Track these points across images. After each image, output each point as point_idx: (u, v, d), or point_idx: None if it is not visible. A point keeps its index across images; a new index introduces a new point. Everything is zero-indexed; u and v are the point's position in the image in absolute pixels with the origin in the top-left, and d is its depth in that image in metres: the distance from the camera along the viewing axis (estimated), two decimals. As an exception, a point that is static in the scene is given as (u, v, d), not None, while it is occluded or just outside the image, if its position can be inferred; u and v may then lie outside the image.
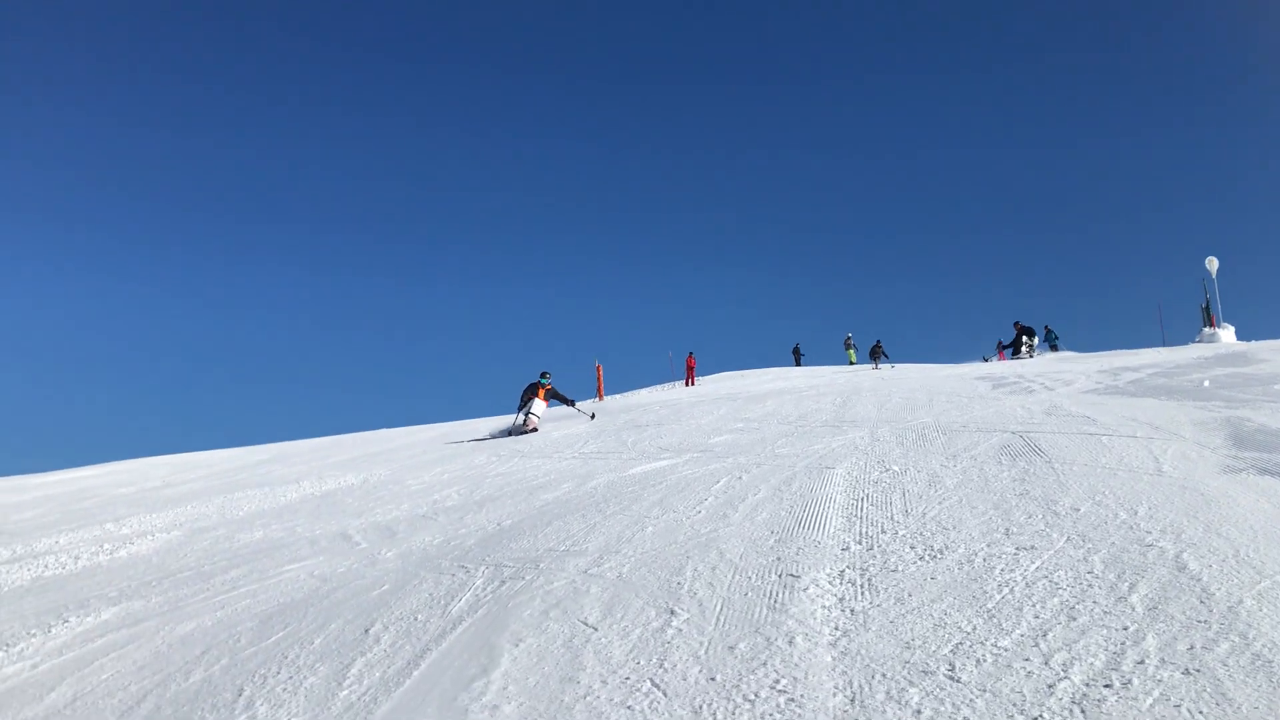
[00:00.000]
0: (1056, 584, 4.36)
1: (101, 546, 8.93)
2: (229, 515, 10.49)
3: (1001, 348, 36.14)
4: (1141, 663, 3.34)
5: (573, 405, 19.97)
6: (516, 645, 4.38)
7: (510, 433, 17.83)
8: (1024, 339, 34.30)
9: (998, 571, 4.66)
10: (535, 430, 17.50)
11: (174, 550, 8.39)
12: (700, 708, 3.40)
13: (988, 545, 5.19)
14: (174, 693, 4.40)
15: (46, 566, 8.15)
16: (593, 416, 19.09)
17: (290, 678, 4.36)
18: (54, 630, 5.78)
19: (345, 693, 4.06)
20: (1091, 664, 3.39)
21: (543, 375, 19.43)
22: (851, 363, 43.72)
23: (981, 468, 7.63)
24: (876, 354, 41.54)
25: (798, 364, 46.37)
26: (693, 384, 36.21)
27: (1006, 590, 4.35)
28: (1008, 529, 5.52)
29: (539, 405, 18.23)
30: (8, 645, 5.55)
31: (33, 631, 5.80)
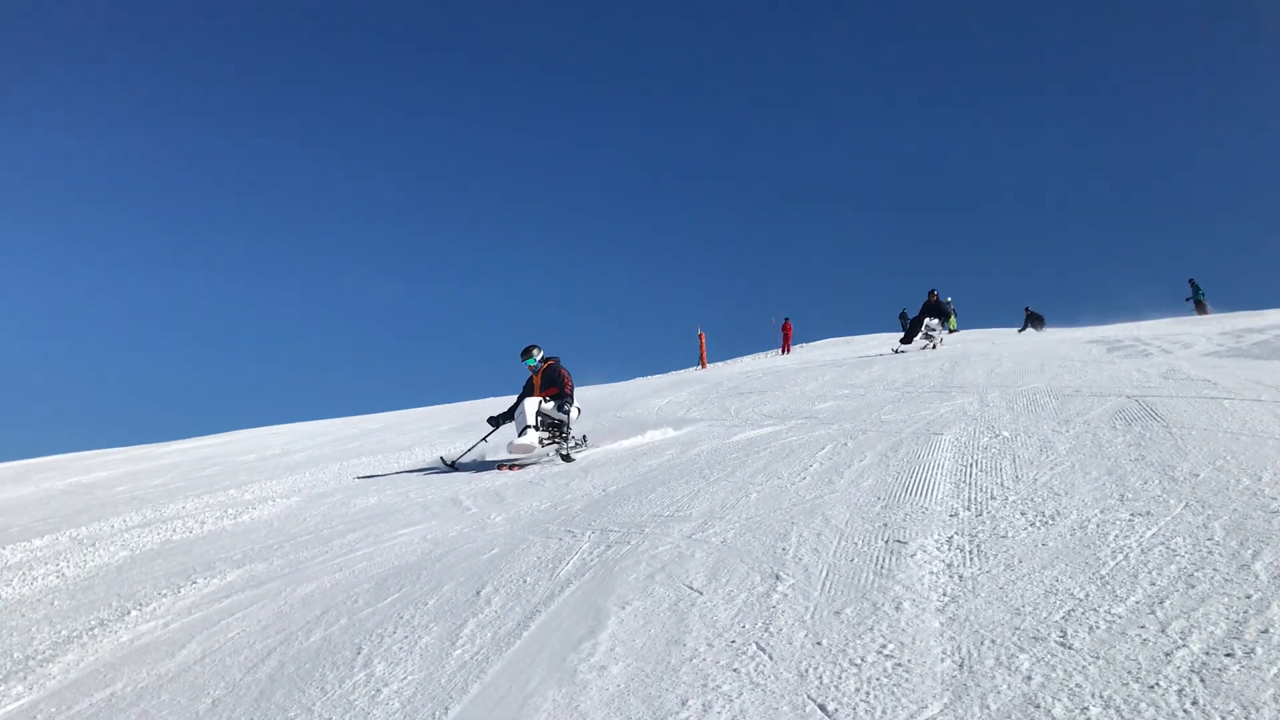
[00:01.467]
0: (1174, 551, 4.24)
1: (225, 511, 9.30)
2: (346, 481, 10.82)
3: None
4: (1266, 632, 3.23)
5: (938, 319, 22.18)
6: (623, 608, 4.44)
7: (499, 463, 10.95)
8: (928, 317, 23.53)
9: (1112, 538, 4.55)
10: (523, 462, 10.77)
11: (294, 515, 8.70)
12: (806, 671, 3.41)
13: (1101, 511, 5.07)
14: (296, 651, 4.57)
15: (174, 531, 8.52)
16: (572, 452, 10.81)
17: (406, 637, 4.50)
18: (183, 591, 6.05)
19: (458, 652, 4.17)
20: (1211, 632, 3.29)
21: (930, 293, 21.70)
22: (952, 329, 37.33)
23: (1095, 433, 7.43)
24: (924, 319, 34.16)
25: (905, 329, 44.31)
26: (788, 352, 35.10)
27: (1121, 557, 4.25)
28: (1122, 495, 5.38)
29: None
30: (141, 605, 5.83)
31: (163, 592, 6.08)
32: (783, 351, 35.49)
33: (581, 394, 21.57)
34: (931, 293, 23.62)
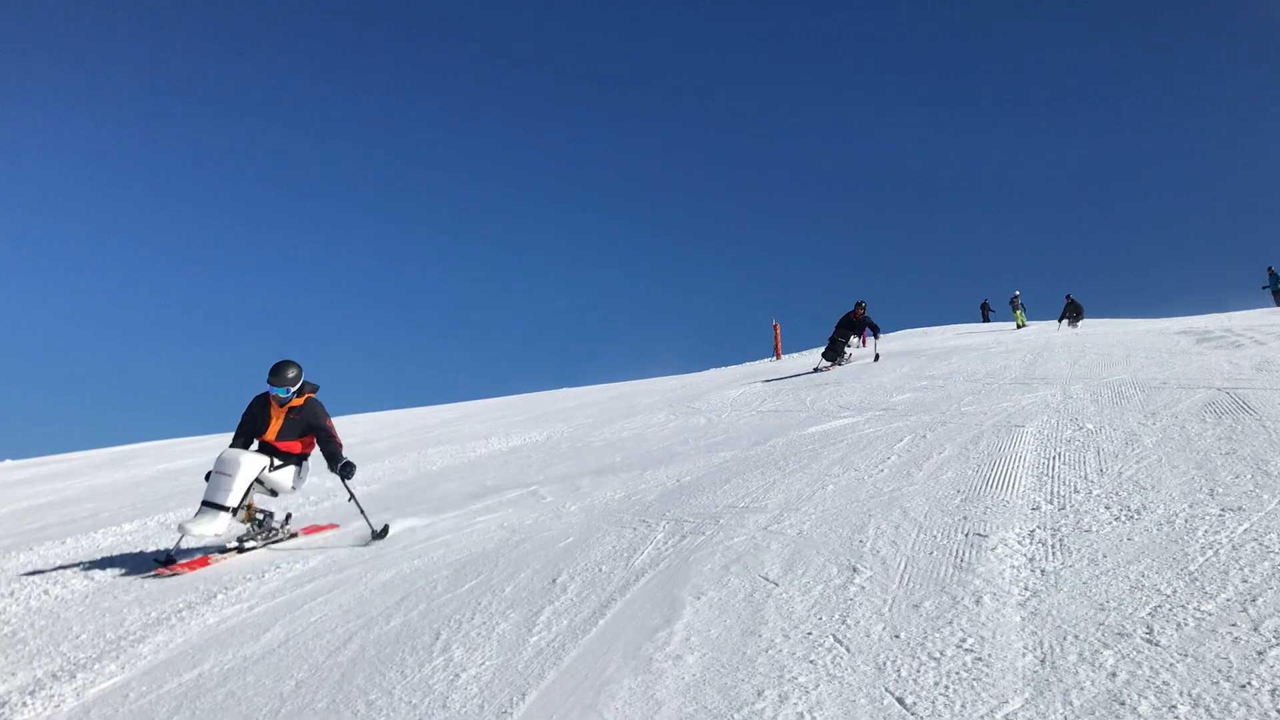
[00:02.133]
0: (1267, 547, 4.12)
1: (308, 498, 9.50)
2: (424, 469, 10.98)
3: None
4: (1364, 631, 3.12)
5: (875, 336, 19.16)
6: (698, 598, 4.44)
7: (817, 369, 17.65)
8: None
9: (1201, 533, 4.43)
10: (827, 368, 17.45)
11: (374, 502, 8.85)
12: (884, 664, 3.38)
13: (1190, 506, 4.94)
14: (376, 635, 4.66)
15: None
16: (875, 358, 18.40)
17: (483, 623, 4.55)
18: (267, 576, 6.19)
19: (535, 639, 4.21)
20: (1306, 631, 3.19)
21: (858, 305, 18.90)
22: (1020, 324, 35.39)
23: (1183, 426, 7.24)
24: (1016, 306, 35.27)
25: (986, 320, 42.45)
26: (779, 358, 32.12)
27: (1211, 553, 4.14)
28: (1212, 489, 5.23)
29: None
30: (226, 588, 5.98)
31: (248, 576, 6.22)
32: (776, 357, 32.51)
33: (654, 385, 21.56)
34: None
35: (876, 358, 18.37)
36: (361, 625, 4.86)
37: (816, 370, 18.19)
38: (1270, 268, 33.07)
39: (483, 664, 4.00)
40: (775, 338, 31.59)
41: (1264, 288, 33.10)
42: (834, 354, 18.60)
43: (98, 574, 6.82)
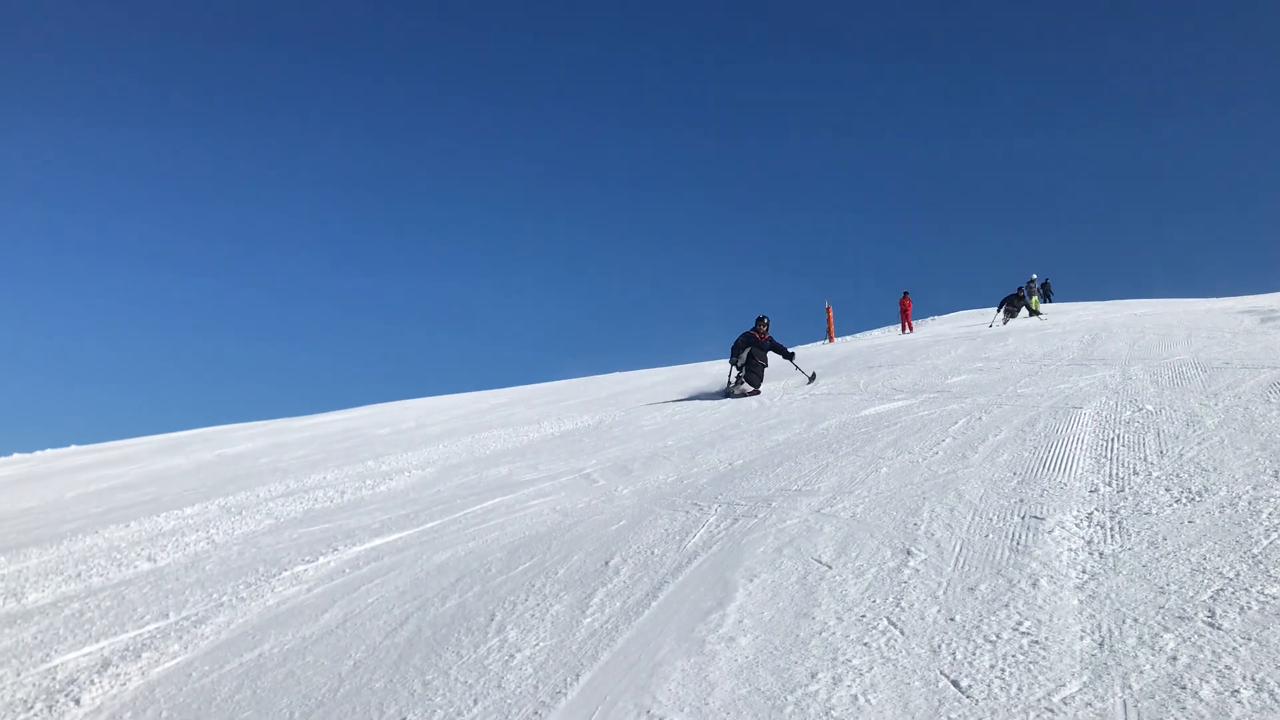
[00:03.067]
0: (1334, 530, 4.03)
1: (364, 482, 9.63)
2: (477, 453, 11.07)
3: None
4: None
5: (790, 359, 15.20)
6: (751, 581, 4.44)
7: (726, 394, 14.42)
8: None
9: (1265, 515, 4.34)
10: (754, 392, 14.15)
11: (429, 485, 8.94)
12: (939, 647, 3.36)
13: (1253, 488, 4.84)
14: (432, 616, 4.71)
15: (316, 500, 8.86)
16: (812, 378, 14.59)
17: (537, 605, 4.59)
18: (324, 557, 6.29)
19: (588, 620, 4.24)
20: (1375, 615, 3.12)
21: (760, 321, 15.12)
22: (1034, 311, 30.36)
23: (1246, 407, 7.09)
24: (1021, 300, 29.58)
25: (1045, 301, 39.38)
26: (910, 329, 31.43)
27: (1275, 535, 4.05)
28: (1277, 471, 5.12)
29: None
30: (285, 570, 6.08)
31: (306, 558, 6.33)
32: (903, 329, 31.76)
33: (706, 369, 21.58)
34: (760, 321, 15.34)
35: (812, 378, 14.63)
36: (418, 606, 4.92)
37: (730, 396, 14.43)
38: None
39: (537, 645, 4.03)
40: (828, 320, 31.40)
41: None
42: (756, 377, 14.67)
43: (161, 556, 6.97)
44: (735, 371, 14.80)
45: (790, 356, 15.33)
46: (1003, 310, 28.17)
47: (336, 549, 6.49)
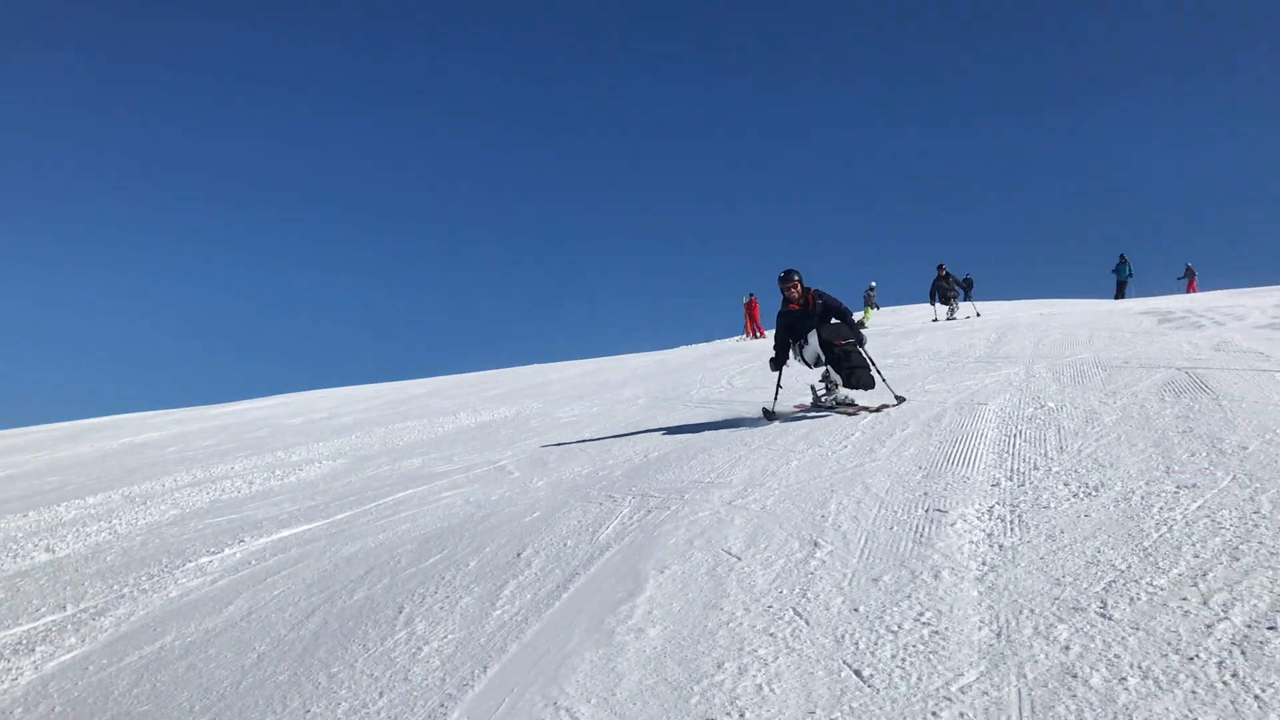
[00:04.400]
0: (1219, 524, 4.19)
1: (273, 472, 9.46)
2: (391, 445, 10.95)
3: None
4: (1310, 605, 3.19)
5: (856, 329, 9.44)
6: (661, 572, 4.47)
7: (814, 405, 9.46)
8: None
9: (1156, 510, 4.50)
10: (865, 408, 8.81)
11: (339, 476, 8.82)
12: (843, 637, 3.42)
13: (1146, 483, 5.01)
14: (340, 609, 4.66)
15: (223, 490, 8.68)
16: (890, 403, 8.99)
17: (447, 597, 4.56)
18: (230, 549, 6.17)
19: (498, 612, 4.23)
20: (1255, 605, 3.25)
21: (790, 282, 9.24)
22: (863, 324, 24.54)
23: (1143, 404, 7.33)
24: (950, 289, 25.97)
25: (967, 298, 39.09)
26: (760, 335, 29.24)
27: (1165, 529, 4.20)
28: (1169, 467, 5.31)
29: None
30: (189, 561, 5.95)
31: (212, 549, 6.20)
32: (749, 334, 29.63)
33: (625, 362, 21.56)
34: (790, 281, 9.54)
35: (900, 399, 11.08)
36: (325, 599, 4.86)
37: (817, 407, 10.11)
38: (1122, 255, 30.86)
39: (445, 637, 4.01)
40: (752, 314, 30.97)
41: (1112, 271, 30.77)
42: (862, 375, 9.31)
43: (60, 547, 6.77)
44: (820, 374, 9.40)
45: (857, 327, 9.45)
46: (936, 302, 25.79)
47: (243, 540, 6.37)
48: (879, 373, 9.33)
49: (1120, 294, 29.56)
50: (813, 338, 9.09)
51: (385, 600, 4.68)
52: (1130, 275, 30.28)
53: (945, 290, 25.09)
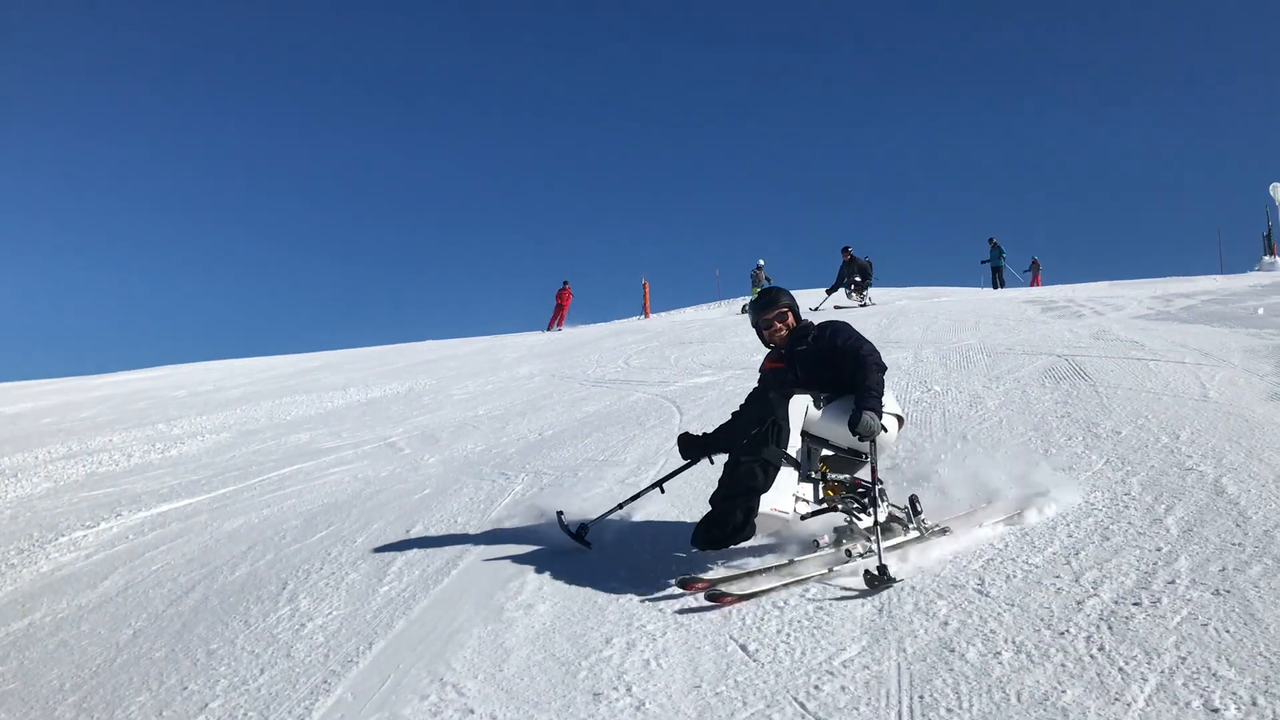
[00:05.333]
0: (1092, 505, 4.35)
1: (154, 445, 9.17)
2: (277, 419, 10.70)
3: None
4: (1172, 582, 3.34)
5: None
6: (552, 549, 4.46)
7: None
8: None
9: (1034, 491, 4.65)
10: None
11: (223, 451, 8.60)
12: (729, 613, 3.46)
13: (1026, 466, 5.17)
14: (221, 584, 4.54)
15: (101, 463, 8.39)
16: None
17: (333, 574, 4.48)
18: (107, 523, 5.97)
19: (385, 589, 4.17)
20: (1122, 583, 3.40)
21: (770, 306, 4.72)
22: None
23: (1024, 390, 7.57)
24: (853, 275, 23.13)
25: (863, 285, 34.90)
26: (560, 327, 25.88)
27: (1041, 509, 4.35)
28: (1046, 450, 5.50)
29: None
30: (63, 535, 5.74)
31: (87, 523, 5.99)
32: (552, 325, 26.36)
33: (520, 340, 21.46)
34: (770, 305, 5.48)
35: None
36: (205, 574, 4.73)
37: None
38: (992, 239, 27.63)
39: (330, 614, 3.94)
40: (644, 296, 31.29)
41: (983, 262, 27.96)
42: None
43: (-80, 521, 6.47)
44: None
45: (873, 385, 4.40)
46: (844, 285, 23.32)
47: (120, 514, 6.16)
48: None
49: (998, 281, 27.56)
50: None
51: (268, 576, 4.58)
52: (1004, 258, 27.71)
53: (850, 275, 23.62)
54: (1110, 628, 3.01)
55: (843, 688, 2.80)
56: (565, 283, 26.84)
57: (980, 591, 3.45)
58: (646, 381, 10.67)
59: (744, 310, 22.74)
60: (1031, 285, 30.60)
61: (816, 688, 2.81)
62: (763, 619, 3.37)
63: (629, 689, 2.93)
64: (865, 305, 21.89)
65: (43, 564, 5.24)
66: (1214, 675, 2.64)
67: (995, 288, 26.64)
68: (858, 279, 22.73)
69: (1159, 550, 3.69)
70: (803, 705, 2.71)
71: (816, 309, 20.73)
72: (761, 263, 28.85)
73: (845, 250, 23.09)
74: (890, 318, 16.21)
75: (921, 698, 2.68)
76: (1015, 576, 3.56)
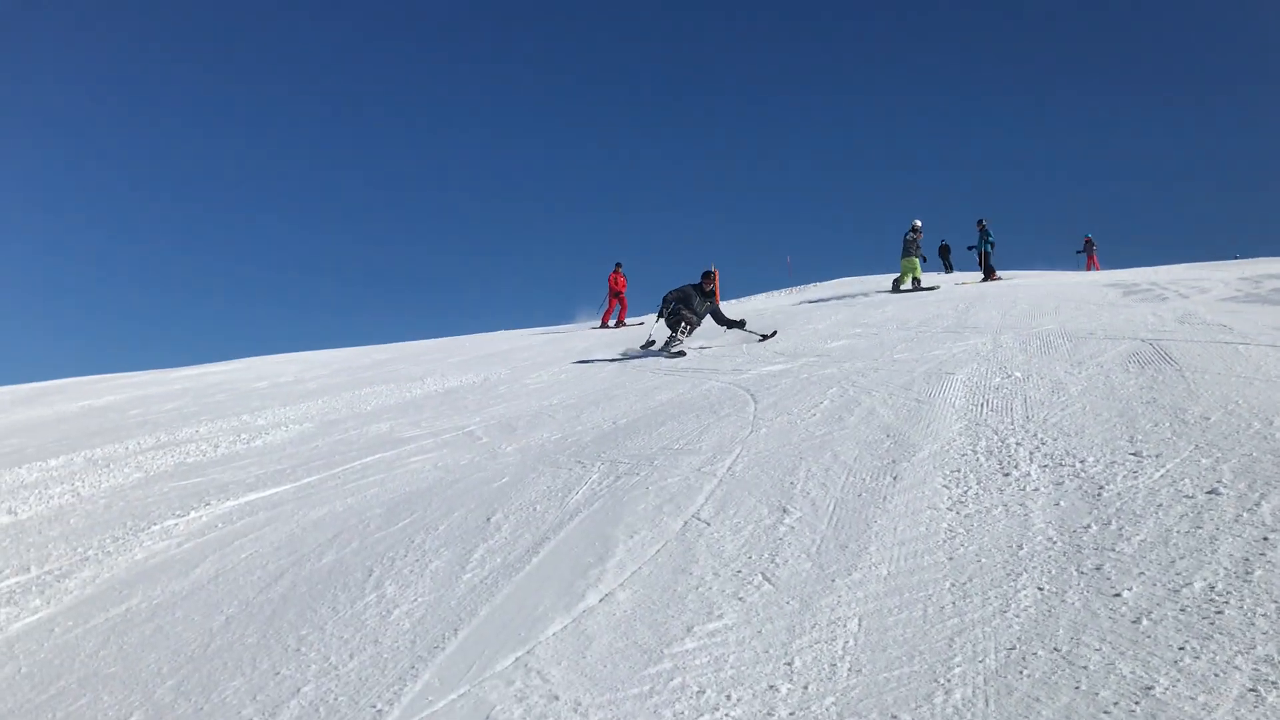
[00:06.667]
0: (1182, 491, 4.26)
1: (239, 436, 9.39)
2: (357, 409, 10.89)
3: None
4: (1272, 570, 3.26)
5: (737, 327, 14.18)
6: (631, 537, 4.49)
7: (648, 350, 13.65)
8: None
9: (1119, 479, 4.56)
10: (680, 354, 12.78)
11: (307, 441, 8.78)
12: (810, 600, 3.45)
13: (1110, 452, 5.08)
14: (308, 572, 4.65)
15: (188, 454, 8.62)
16: (772, 334, 13.82)
17: (417, 561, 4.56)
18: (196, 512, 6.14)
19: (468, 576, 4.23)
20: (1215, 570, 3.32)
21: (706, 277, 14.27)
22: (902, 285, 22.99)
23: (1108, 375, 7.41)
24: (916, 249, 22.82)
25: (948, 268, 32.46)
26: (624, 322, 22.92)
27: (1126, 498, 4.27)
28: (1132, 436, 5.38)
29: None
30: (155, 524, 5.91)
31: (177, 512, 6.16)
32: (605, 322, 22.96)
33: (593, 330, 21.40)
34: (707, 277, 14.53)
35: (772, 334, 13.93)
36: (293, 562, 4.85)
37: (662, 353, 13.26)
38: (980, 221, 24.62)
39: (415, 600, 4.02)
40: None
41: (970, 248, 25.38)
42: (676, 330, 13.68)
43: (22, 509, 6.71)
44: (665, 326, 13.83)
45: (736, 325, 14.02)
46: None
47: (209, 503, 6.33)
48: (749, 330, 14.14)
49: (987, 271, 24.31)
50: (675, 307, 13.95)
51: (354, 563, 4.67)
52: (992, 245, 24.37)
53: (910, 249, 22.25)
54: (1204, 617, 2.95)
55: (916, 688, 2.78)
56: (618, 265, 23.23)
57: (1056, 579, 3.40)
58: (719, 370, 10.65)
59: (895, 288, 21.98)
60: (1089, 268, 29.16)
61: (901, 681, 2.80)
62: (840, 604, 3.36)
63: (709, 678, 2.95)
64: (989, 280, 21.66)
65: (137, 552, 5.41)
66: (1313, 667, 2.58)
67: (985, 280, 23.42)
68: (922, 256, 22.29)
69: (1254, 540, 3.59)
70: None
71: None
72: (918, 223, 23.48)
73: (980, 222, 23.49)
74: (968, 302, 15.98)
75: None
76: (1103, 566, 3.50)
